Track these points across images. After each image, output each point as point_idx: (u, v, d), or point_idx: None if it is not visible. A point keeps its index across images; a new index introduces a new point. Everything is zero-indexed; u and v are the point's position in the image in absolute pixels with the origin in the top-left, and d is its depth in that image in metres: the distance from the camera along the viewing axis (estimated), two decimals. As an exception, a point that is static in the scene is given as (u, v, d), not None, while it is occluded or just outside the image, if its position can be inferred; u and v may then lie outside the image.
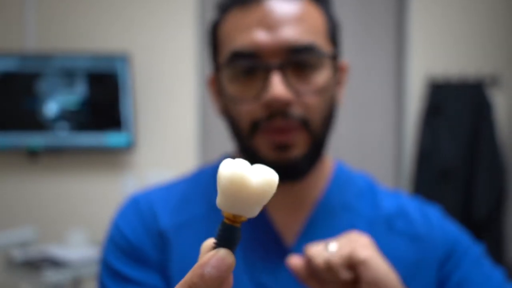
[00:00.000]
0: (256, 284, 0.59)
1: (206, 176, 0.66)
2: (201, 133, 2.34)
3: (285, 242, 0.60)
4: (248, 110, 0.56)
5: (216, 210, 0.61)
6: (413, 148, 2.24)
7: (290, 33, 0.55)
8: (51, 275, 1.66)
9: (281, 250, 0.60)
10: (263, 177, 0.32)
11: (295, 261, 0.52)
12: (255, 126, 0.56)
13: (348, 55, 2.29)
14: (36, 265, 1.71)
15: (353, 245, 0.50)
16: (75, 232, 1.98)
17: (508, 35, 2.23)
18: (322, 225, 0.62)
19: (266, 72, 0.55)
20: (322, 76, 0.57)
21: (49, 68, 2.12)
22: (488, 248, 2.13)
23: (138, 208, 0.63)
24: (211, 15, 2.32)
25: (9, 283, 2.15)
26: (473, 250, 0.62)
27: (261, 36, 0.55)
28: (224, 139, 2.33)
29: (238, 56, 0.56)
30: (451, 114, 2.18)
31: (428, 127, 2.19)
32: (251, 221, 0.61)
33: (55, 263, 1.73)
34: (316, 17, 0.58)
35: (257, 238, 0.61)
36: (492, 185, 2.13)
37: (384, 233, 0.62)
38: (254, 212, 0.32)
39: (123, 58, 2.11)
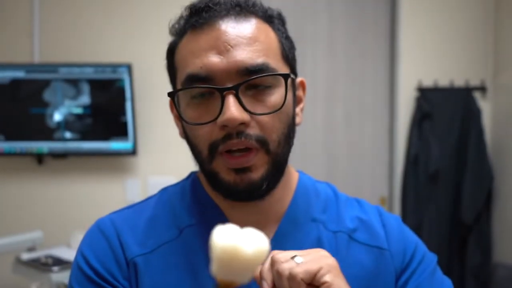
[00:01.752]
0: None
1: (171, 196, 0.66)
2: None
3: None
4: (206, 133, 0.57)
5: (184, 231, 0.62)
6: (404, 152, 2.33)
7: (243, 55, 0.55)
8: (58, 275, 1.75)
9: None
10: (255, 246, 0.34)
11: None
12: (213, 148, 0.57)
13: (342, 64, 2.37)
14: (43, 265, 1.80)
15: (321, 263, 0.49)
16: (80, 234, 2.07)
17: (494, 46, 2.32)
18: (289, 238, 0.62)
19: (221, 95, 0.55)
20: (276, 96, 0.57)
21: (55, 78, 2.21)
22: (476, 249, 2.22)
23: (105, 236, 0.62)
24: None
25: (19, 283, 2.24)
26: (428, 259, 0.66)
27: (214, 59, 0.55)
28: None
29: (193, 80, 0.57)
30: (440, 120, 2.27)
31: (418, 132, 2.27)
32: None
33: (61, 263, 1.82)
34: (269, 37, 0.59)
35: None
36: (479, 188, 2.21)
37: (347, 243, 0.63)
38: (247, 278, 0.34)
39: (125, 68, 2.20)
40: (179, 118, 0.62)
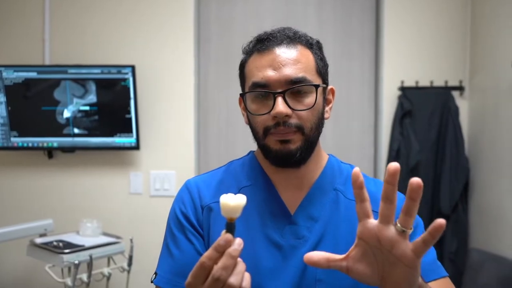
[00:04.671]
0: (267, 238, 0.85)
1: (235, 166, 0.95)
2: (198, 135, 2.60)
3: (289, 211, 0.87)
4: (262, 120, 0.83)
5: (242, 190, 0.89)
6: (387, 147, 2.50)
7: (289, 71, 0.82)
8: (69, 256, 1.92)
9: (285, 215, 0.86)
10: (235, 201, 0.63)
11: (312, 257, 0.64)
12: (267, 130, 0.83)
13: (330, 65, 2.54)
14: (55, 247, 1.97)
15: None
16: (88, 223, 2.23)
17: (470, 49, 2.49)
18: (316, 199, 0.88)
19: (273, 96, 0.81)
20: (310, 98, 0.83)
21: (64, 78, 2.36)
22: (453, 236, 2.38)
23: (189, 191, 0.91)
24: (206, 30, 2.59)
25: (34, 265, 2.41)
26: (422, 228, 0.86)
27: (270, 73, 0.82)
28: (219, 141, 2.59)
29: (256, 86, 0.83)
30: (421, 117, 2.43)
31: (400, 128, 2.44)
32: (266, 196, 0.88)
33: (72, 247, 1.99)
34: (308, 59, 0.85)
35: (269, 207, 0.87)
36: (456, 180, 2.37)
37: None
38: (237, 215, 0.63)
39: (129, 69, 2.35)
40: (245, 109, 0.89)
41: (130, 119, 2.39)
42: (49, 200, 2.50)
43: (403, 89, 2.46)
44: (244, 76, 0.89)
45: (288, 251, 0.84)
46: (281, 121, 0.81)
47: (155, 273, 0.86)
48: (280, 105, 0.80)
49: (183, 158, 2.49)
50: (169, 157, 2.49)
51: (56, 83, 2.38)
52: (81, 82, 2.38)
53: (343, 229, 0.85)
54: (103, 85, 2.38)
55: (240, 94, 0.88)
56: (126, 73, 2.36)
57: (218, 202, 0.83)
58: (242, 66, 0.89)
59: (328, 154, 0.96)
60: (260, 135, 0.85)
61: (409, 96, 2.43)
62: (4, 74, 2.36)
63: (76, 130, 2.41)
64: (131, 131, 2.40)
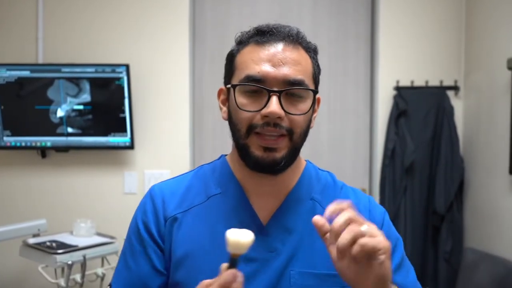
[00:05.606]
0: None
1: (205, 172, 0.88)
2: (193, 135, 2.59)
3: (261, 220, 0.81)
4: (248, 117, 0.76)
5: (210, 198, 0.83)
6: (383, 147, 2.50)
7: (289, 71, 0.76)
8: (62, 256, 1.90)
9: (256, 226, 0.80)
10: (245, 238, 0.63)
11: (319, 219, 0.66)
12: (251, 128, 0.76)
13: (326, 65, 2.55)
14: (49, 248, 1.95)
15: (384, 243, 0.62)
16: (81, 223, 2.21)
17: (465, 50, 2.49)
18: (291, 209, 0.82)
19: (268, 94, 0.75)
20: (305, 104, 0.78)
21: (58, 77, 2.35)
22: (448, 235, 2.39)
23: (152, 201, 0.84)
24: (201, 29, 2.58)
25: (27, 265, 2.39)
26: (402, 248, 0.83)
27: (268, 69, 0.76)
28: (214, 141, 2.59)
29: (250, 79, 0.76)
30: (416, 117, 2.44)
31: (395, 128, 2.44)
32: (236, 204, 0.81)
33: (65, 247, 1.98)
34: (307, 62, 0.80)
35: (238, 216, 0.81)
36: (451, 179, 2.38)
37: None
38: (244, 252, 0.62)
39: (123, 68, 2.34)
40: (225, 104, 0.83)
41: (124, 118, 2.38)
42: (42, 200, 2.49)
43: (398, 88, 2.46)
44: (233, 67, 0.81)
45: (259, 264, 0.78)
46: (271, 122, 0.74)
47: (109, 286, 0.83)
48: (274, 105, 0.74)
49: (178, 158, 2.48)
50: (164, 156, 2.49)
51: (50, 82, 2.36)
52: (75, 81, 2.37)
53: (319, 241, 0.75)
54: (97, 84, 2.37)
55: (232, 85, 0.79)
56: (121, 72, 2.35)
57: (184, 212, 0.82)
58: (233, 56, 0.81)
59: (306, 160, 0.89)
60: (242, 133, 0.77)
61: (405, 96, 2.43)
62: (-3, 73, 2.34)
63: (70, 130, 2.40)
64: (125, 131, 2.39)
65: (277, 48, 0.77)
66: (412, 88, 2.47)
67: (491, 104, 2.24)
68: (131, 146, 2.40)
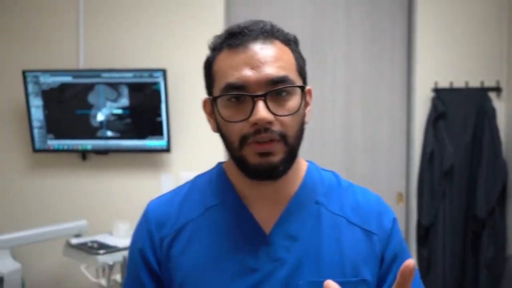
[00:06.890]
0: (240, 265, 0.74)
1: (201, 182, 0.84)
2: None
3: (264, 230, 0.76)
4: (238, 128, 0.71)
5: (208, 210, 0.79)
6: (420, 150, 2.44)
7: (270, 70, 0.70)
8: (103, 257, 1.96)
9: (259, 236, 0.75)
10: None
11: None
12: (244, 139, 0.71)
13: (361, 66, 2.51)
14: (90, 248, 2.02)
15: None
16: (120, 224, 2.27)
17: (508, 48, 2.40)
18: (295, 215, 0.77)
19: (252, 100, 0.69)
20: (294, 101, 0.72)
21: (98, 82, 2.42)
22: (490, 242, 2.31)
23: (147, 222, 0.81)
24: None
25: (70, 264, 2.48)
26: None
27: (248, 73, 0.70)
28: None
29: (231, 88, 0.70)
30: (455, 119, 2.37)
31: (434, 131, 2.38)
32: (236, 215, 0.77)
33: (106, 248, 2.04)
34: (288, 56, 0.74)
35: (240, 227, 0.76)
36: (493, 183, 2.30)
37: (345, 224, 0.78)
38: None
39: (160, 73, 2.39)
40: (212, 116, 0.78)
41: (161, 122, 2.43)
42: (82, 200, 2.57)
43: (436, 90, 2.40)
44: (212, 77, 0.76)
45: (264, 275, 0.74)
46: (262, 128, 0.69)
47: None
48: (261, 111, 0.68)
49: (213, 160, 2.49)
50: (200, 159, 2.52)
51: (90, 87, 2.44)
52: (114, 86, 2.43)
53: (326, 248, 0.75)
54: (135, 89, 2.43)
55: (213, 98, 0.74)
56: (158, 77, 2.40)
57: (179, 229, 0.78)
58: (210, 64, 0.76)
59: (307, 161, 0.84)
60: (235, 146, 0.72)
61: (443, 98, 2.37)
62: (41, 79, 2.44)
63: (109, 133, 2.46)
64: (162, 134, 2.44)
65: (253, 48, 0.71)
66: (451, 90, 2.40)
67: (536, 106, 2.15)
68: (167, 149, 2.45)
